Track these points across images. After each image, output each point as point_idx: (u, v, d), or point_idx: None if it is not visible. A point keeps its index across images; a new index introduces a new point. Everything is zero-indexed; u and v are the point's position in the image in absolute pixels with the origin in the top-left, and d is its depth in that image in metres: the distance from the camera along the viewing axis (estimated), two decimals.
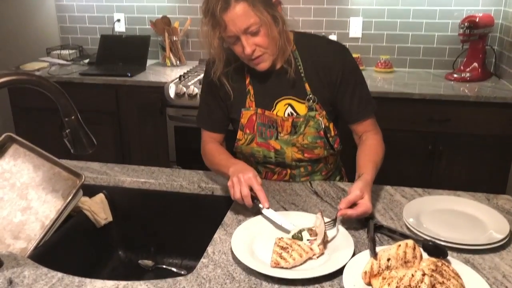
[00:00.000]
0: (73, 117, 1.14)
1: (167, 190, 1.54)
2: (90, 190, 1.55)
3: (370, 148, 1.45)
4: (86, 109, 3.06)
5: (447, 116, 2.59)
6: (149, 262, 1.57)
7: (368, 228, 1.20)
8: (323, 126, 1.46)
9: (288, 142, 1.48)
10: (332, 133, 1.49)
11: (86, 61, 3.39)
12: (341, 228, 1.21)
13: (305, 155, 1.49)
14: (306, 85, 1.45)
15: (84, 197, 1.48)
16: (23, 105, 3.12)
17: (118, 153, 3.12)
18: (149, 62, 3.39)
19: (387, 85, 2.77)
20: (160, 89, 2.86)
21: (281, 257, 1.07)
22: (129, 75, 2.98)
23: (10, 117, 3.21)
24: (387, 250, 1.04)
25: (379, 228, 1.22)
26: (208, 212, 1.52)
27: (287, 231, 1.20)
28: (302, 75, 1.45)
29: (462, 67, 2.91)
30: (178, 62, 3.36)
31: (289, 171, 1.54)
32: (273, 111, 1.48)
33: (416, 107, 2.61)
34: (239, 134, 1.51)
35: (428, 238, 1.15)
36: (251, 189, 1.27)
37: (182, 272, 1.52)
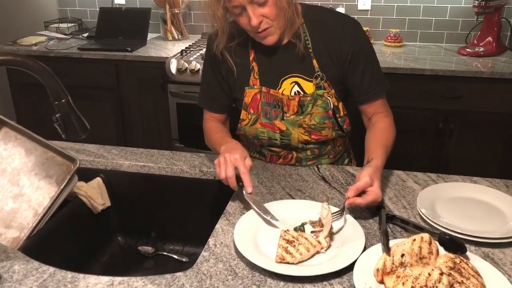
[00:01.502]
0: (63, 100, 1.06)
1: (167, 174, 1.46)
2: (86, 174, 1.48)
3: (380, 131, 1.36)
4: (86, 85, 3.00)
5: (459, 92, 2.49)
6: (149, 249, 1.51)
7: (380, 219, 1.13)
8: (331, 106, 1.38)
9: (294, 122, 1.39)
10: (341, 113, 1.40)
11: (85, 35, 3.29)
12: (350, 218, 1.14)
13: (312, 136, 1.41)
14: (314, 62, 1.36)
15: (80, 182, 1.41)
16: (21, 82, 3.03)
17: (119, 130, 3.05)
18: (150, 36, 3.28)
19: (397, 60, 2.66)
20: (161, 64, 2.77)
21: (286, 251, 1.00)
22: (129, 50, 2.88)
23: (9, 94, 3.13)
24: (401, 245, 0.97)
25: (391, 218, 1.14)
26: (210, 197, 1.45)
27: (271, 223, 1.14)
28: (310, 50, 1.36)
29: (475, 41, 2.78)
30: (180, 35, 3.25)
31: (295, 154, 1.46)
32: (278, 89, 1.39)
33: (427, 84, 2.51)
34: (243, 114, 1.43)
35: (444, 230, 1.07)
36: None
37: (184, 260, 1.46)
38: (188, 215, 1.49)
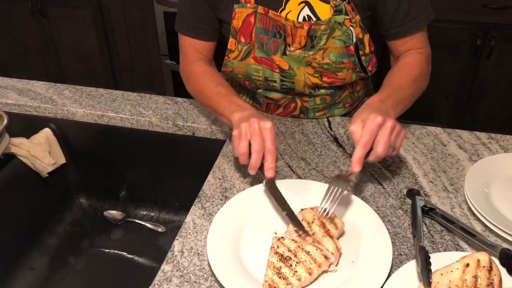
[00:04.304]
0: None
1: (132, 127, 1.13)
2: (31, 124, 1.16)
3: (398, 68, 1.00)
4: None
5: (506, 2, 2.03)
6: (117, 214, 1.23)
7: (412, 214, 0.80)
8: (354, 39, 0.99)
9: (301, 60, 1.02)
10: (367, 50, 1.02)
11: None
12: (370, 211, 0.82)
13: (324, 79, 1.04)
14: None
15: (20, 138, 1.10)
16: None
17: (102, 43, 2.65)
18: None
19: None
20: None
21: (279, 275, 0.70)
22: None
23: None
24: (448, 274, 0.66)
25: (428, 210, 0.82)
26: (189, 156, 1.13)
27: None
28: None
29: None
30: None
31: (299, 103, 1.10)
32: (281, 11, 0.99)
33: None
34: (231, 42, 1.05)
35: (508, 238, 0.76)
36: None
37: (159, 229, 1.19)
38: (163, 175, 1.19)
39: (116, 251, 1.17)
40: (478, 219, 0.81)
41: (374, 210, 0.82)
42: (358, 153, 0.78)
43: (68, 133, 1.18)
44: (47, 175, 1.12)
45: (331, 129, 1.06)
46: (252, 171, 0.86)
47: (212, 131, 1.08)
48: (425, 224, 0.82)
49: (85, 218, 1.24)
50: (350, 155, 0.98)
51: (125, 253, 1.16)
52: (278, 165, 0.95)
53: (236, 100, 0.98)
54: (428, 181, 0.91)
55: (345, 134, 1.05)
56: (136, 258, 1.15)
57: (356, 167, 0.77)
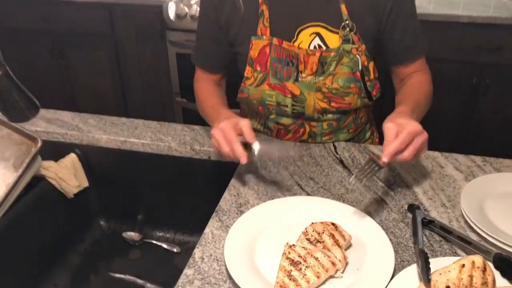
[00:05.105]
0: (0, 73, 0.80)
1: (152, 152, 1.22)
2: (58, 150, 1.25)
3: (411, 85, 1.13)
4: (78, 32, 2.71)
5: (499, 43, 2.16)
6: (135, 235, 1.30)
7: (413, 225, 0.88)
8: (360, 66, 1.10)
9: (311, 85, 1.12)
10: (372, 76, 1.13)
11: None
12: (374, 223, 0.89)
13: (332, 104, 1.14)
14: (343, 7, 1.06)
15: (49, 162, 1.19)
16: (9, 26, 2.74)
17: (116, 82, 2.79)
18: None
19: (426, 3, 2.31)
20: (158, 8, 2.45)
21: (290, 277, 0.76)
22: None
23: None
24: (445, 273, 0.73)
25: (428, 223, 0.90)
26: (205, 179, 1.22)
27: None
28: None
29: None
30: None
31: (307, 128, 1.19)
32: (294, 42, 1.11)
33: (461, 32, 2.18)
34: (247, 71, 1.15)
35: (502, 246, 0.83)
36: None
37: (175, 250, 1.26)
38: (179, 198, 1.27)
39: (133, 270, 1.22)
40: (474, 231, 0.88)
41: (378, 223, 0.90)
42: (394, 146, 0.84)
43: (91, 158, 1.27)
44: (73, 197, 1.20)
45: (336, 153, 1.15)
46: (244, 159, 0.95)
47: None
48: (425, 235, 0.89)
49: (104, 239, 1.31)
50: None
51: (142, 272, 1.22)
52: (288, 184, 1.03)
53: (222, 109, 1.12)
54: (427, 198, 0.98)
55: (349, 157, 1.13)
56: (152, 276, 1.20)
57: (386, 158, 0.84)
